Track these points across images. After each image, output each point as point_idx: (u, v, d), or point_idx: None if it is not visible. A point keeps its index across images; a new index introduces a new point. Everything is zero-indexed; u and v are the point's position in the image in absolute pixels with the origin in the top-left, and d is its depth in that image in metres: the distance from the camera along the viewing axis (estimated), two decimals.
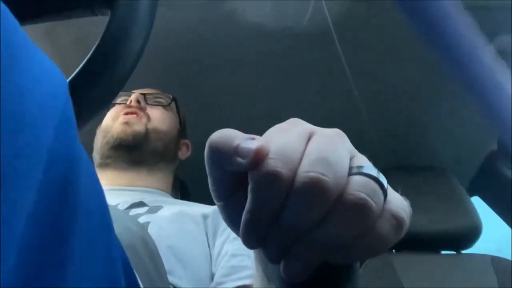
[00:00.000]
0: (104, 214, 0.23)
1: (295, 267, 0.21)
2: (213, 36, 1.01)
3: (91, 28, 0.56)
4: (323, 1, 0.84)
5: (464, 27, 0.16)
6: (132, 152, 0.83)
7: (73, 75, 0.32)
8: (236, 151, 0.21)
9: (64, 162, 0.19)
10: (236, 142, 0.21)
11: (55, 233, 0.19)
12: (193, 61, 1.09)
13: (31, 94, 0.18)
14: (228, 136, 0.22)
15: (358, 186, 0.20)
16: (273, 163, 0.20)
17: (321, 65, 1.08)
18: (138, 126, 0.84)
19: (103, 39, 0.32)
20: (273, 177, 0.20)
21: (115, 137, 0.82)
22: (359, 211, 0.20)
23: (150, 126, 0.86)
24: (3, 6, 0.18)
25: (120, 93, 0.93)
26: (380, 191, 0.21)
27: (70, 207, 0.20)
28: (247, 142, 0.21)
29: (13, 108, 0.16)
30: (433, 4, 0.17)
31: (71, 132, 0.20)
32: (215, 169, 0.23)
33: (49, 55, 0.21)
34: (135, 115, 0.85)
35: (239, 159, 0.21)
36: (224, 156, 0.21)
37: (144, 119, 0.86)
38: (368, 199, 0.20)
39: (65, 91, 0.20)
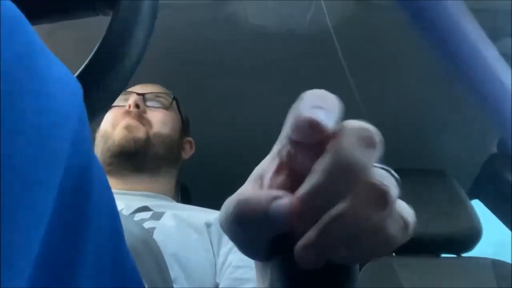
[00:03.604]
0: (114, 221, 0.24)
1: (309, 254, 0.21)
2: (214, 37, 1.01)
3: (92, 29, 0.56)
4: (322, 2, 0.84)
5: (467, 28, 0.16)
6: (134, 158, 0.81)
7: (75, 75, 0.32)
8: (268, 214, 0.20)
9: (80, 171, 0.20)
10: (264, 204, 0.20)
11: (69, 241, 0.19)
12: (194, 62, 1.09)
13: (51, 101, 0.18)
14: (253, 199, 0.21)
15: (381, 176, 0.21)
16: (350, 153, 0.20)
17: (322, 67, 1.08)
18: (140, 132, 0.82)
19: (105, 39, 0.32)
20: (352, 167, 0.20)
21: (116, 143, 0.81)
22: (381, 197, 0.20)
23: (151, 132, 0.84)
24: (19, 12, 0.18)
25: None
26: (396, 187, 0.21)
27: (84, 214, 0.20)
28: (277, 203, 0.20)
29: (35, 116, 0.17)
30: (435, 5, 0.17)
31: (86, 139, 0.21)
32: (246, 232, 0.22)
33: None
34: (136, 121, 0.83)
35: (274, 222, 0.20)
36: (256, 220, 0.20)
37: (146, 126, 0.84)
38: (390, 188, 0.20)
39: (80, 98, 0.21)
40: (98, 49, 0.33)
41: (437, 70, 1.02)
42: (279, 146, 0.22)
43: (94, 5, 0.34)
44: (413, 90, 1.17)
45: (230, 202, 0.22)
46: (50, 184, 0.17)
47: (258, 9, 0.92)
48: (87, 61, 0.33)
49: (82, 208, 0.20)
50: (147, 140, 0.82)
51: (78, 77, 0.32)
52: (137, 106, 0.84)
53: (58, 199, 0.18)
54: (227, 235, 0.23)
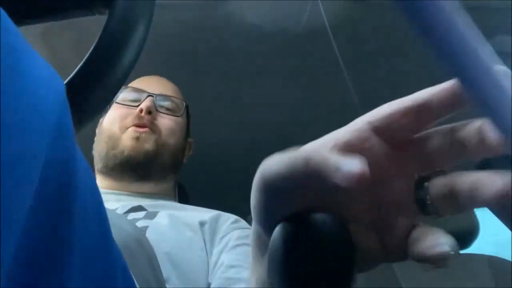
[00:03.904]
0: (102, 221, 0.23)
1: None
2: (212, 37, 1.01)
3: (88, 29, 0.56)
4: (319, 2, 0.84)
5: (464, 27, 0.16)
6: (140, 168, 0.80)
7: (71, 76, 0.32)
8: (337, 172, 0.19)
9: (61, 168, 0.19)
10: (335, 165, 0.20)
11: (52, 239, 0.19)
12: (192, 63, 1.09)
13: (28, 98, 0.18)
14: (324, 157, 0.20)
15: None
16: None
17: (319, 66, 1.08)
18: (149, 144, 0.80)
19: (101, 39, 0.32)
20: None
21: (125, 154, 0.79)
22: None
23: (160, 141, 0.82)
24: (1, 10, 0.18)
25: (127, 88, 0.86)
26: None
27: (68, 213, 0.20)
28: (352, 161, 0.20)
29: (11, 112, 0.16)
30: (432, 4, 0.16)
31: (68, 137, 0.20)
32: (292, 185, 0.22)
33: (44, 57, 0.20)
34: (146, 129, 0.81)
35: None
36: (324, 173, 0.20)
37: (155, 134, 0.82)
38: None
39: (62, 95, 0.20)
40: (94, 48, 0.32)
41: (434, 70, 1.02)
42: (356, 126, 0.25)
43: (90, 4, 0.34)
44: (410, 90, 1.17)
45: (294, 156, 0.21)
46: (27, 179, 0.17)
47: (254, 8, 0.92)
48: (83, 61, 0.33)
49: (66, 207, 0.20)
50: (156, 150, 0.81)
51: (75, 77, 0.32)
52: (149, 112, 0.82)
53: (38, 197, 0.18)
54: (263, 187, 0.22)
